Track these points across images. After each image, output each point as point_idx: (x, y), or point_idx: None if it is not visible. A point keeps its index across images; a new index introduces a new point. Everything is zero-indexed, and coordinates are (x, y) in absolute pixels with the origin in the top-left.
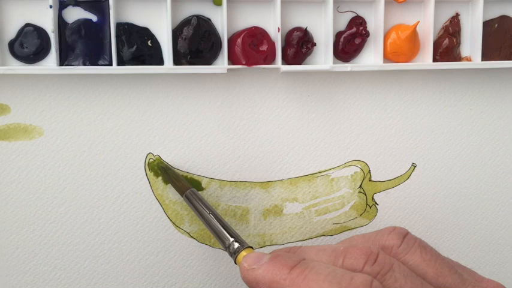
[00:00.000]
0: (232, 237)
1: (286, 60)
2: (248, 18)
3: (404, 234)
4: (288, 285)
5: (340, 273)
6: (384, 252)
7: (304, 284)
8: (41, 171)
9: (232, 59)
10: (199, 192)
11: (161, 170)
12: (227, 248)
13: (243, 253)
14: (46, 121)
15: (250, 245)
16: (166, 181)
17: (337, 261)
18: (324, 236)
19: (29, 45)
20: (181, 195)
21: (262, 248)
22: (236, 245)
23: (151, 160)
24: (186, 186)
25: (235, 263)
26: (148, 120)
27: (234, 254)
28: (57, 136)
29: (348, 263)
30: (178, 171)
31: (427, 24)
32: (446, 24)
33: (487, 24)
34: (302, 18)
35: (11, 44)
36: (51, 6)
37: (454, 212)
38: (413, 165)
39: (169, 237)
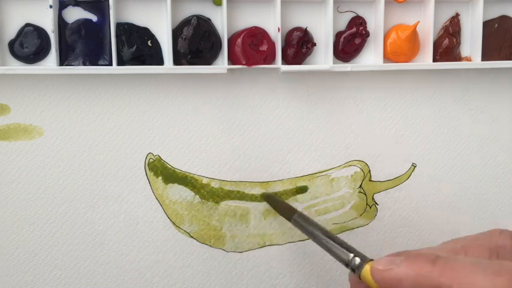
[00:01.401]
0: (350, 252)
1: (286, 60)
2: (248, 18)
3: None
4: (437, 276)
5: (485, 261)
6: (504, 250)
7: (454, 273)
8: (41, 171)
9: (232, 59)
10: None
11: (264, 198)
12: (349, 263)
13: (368, 266)
14: (46, 121)
15: (371, 258)
16: (272, 206)
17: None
18: None
19: (29, 45)
20: (289, 220)
21: (262, 248)
22: (358, 259)
23: (151, 160)
24: (293, 210)
25: (359, 278)
26: (148, 120)
27: (357, 268)
28: (57, 136)
29: (472, 255)
30: (178, 171)
31: (427, 24)
32: (446, 24)
33: (487, 24)
34: (302, 18)
35: (11, 44)
36: (51, 6)
37: (454, 212)
38: (413, 165)
39: (169, 237)
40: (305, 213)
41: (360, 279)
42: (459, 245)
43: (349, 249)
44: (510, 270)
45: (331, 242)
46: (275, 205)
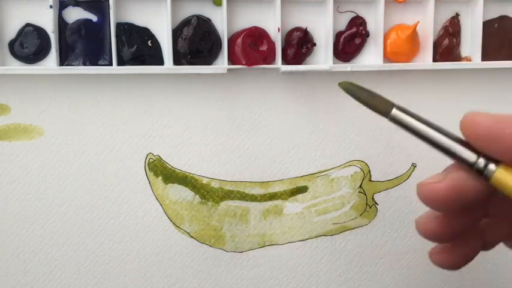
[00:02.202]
0: (476, 153)
1: (286, 60)
2: (248, 18)
3: None
4: None
5: None
6: None
7: None
8: (41, 171)
9: (232, 59)
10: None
11: (353, 91)
12: (473, 164)
13: (501, 168)
14: (46, 121)
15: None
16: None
17: None
18: (324, 236)
19: (29, 45)
20: (386, 116)
21: (262, 248)
22: (482, 161)
23: (151, 160)
24: (388, 103)
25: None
26: (148, 120)
27: (484, 169)
28: (57, 136)
29: None
30: (178, 171)
31: (427, 24)
32: (446, 24)
33: (487, 24)
34: (302, 18)
35: (11, 44)
36: (51, 6)
37: None
38: (413, 165)
39: (169, 237)
40: (305, 213)
41: (491, 183)
42: None
43: (471, 149)
44: None
45: (443, 135)
46: (366, 100)
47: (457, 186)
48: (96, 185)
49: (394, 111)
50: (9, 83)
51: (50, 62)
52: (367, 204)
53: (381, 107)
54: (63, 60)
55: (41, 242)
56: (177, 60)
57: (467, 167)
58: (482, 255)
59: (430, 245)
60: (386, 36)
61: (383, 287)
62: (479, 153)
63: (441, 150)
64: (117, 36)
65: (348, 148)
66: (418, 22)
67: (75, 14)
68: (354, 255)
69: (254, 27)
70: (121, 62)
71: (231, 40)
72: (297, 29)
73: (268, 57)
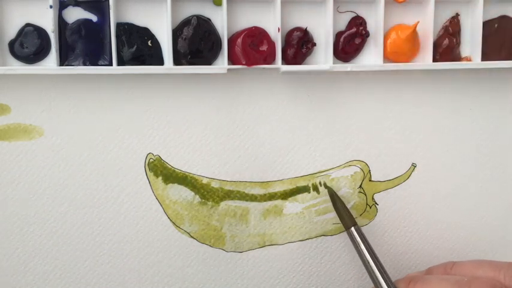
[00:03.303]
0: (388, 285)
1: (286, 60)
2: (248, 18)
3: None
4: None
5: None
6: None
7: None
8: (41, 171)
9: (232, 59)
10: (200, 194)
11: (330, 196)
12: None
13: None
14: (46, 121)
15: None
16: (334, 208)
17: None
18: (324, 236)
19: (29, 45)
20: (346, 229)
21: (262, 248)
22: None
23: (151, 160)
24: (352, 222)
25: None
26: (148, 120)
27: None
28: (57, 136)
29: None
30: (178, 171)
31: (427, 24)
32: (446, 24)
33: (487, 24)
34: (302, 18)
35: (11, 44)
36: (51, 6)
37: (454, 212)
38: (413, 165)
39: (169, 237)
40: (305, 213)
41: None
42: (466, 278)
43: (389, 278)
44: None
45: (376, 271)
46: (337, 208)
47: None
48: (96, 185)
49: (353, 229)
50: (9, 83)
51: (50, 62)
52: (367, 204)
53: (347, 220)
54: (63, 60)
55: (41, 242)
56: (177, 60)
57: None
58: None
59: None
60: (386, 36)
61: None
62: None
63: (371, 277)
64: (117, 36)
65: (348, 148)
66: (418, 22)
67: (75, 14)
68: (354, 255)
69: (254, 27)
70: (121, 62)
71: (231, 40)
72: (297, 29)
73: (268, 57)
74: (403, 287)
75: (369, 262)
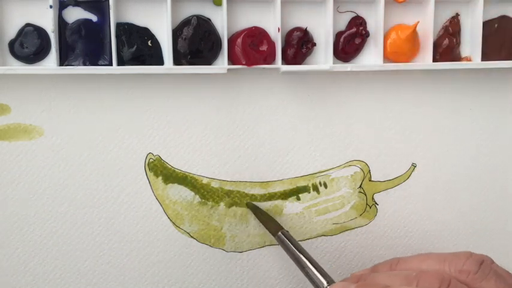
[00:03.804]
0: (326, 280)
1: (286, 60)
2: (248, 18)
3: (481, 261)
4: None
5: None
6: (455, 279)
7: None
8: (41, 171)
9: (232, 59)
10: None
11: (251, 209)
12: None
13: None
14: (46, 121)
15: None
16: (258, 219)
17: (411, 286)
18: (324, 236)
19: (29, 45)
20: (274, 235)
21: (262, 248)
22: None
23: (151, 160)
24: (278, 227)
25: None
26: (148, 120)
27: None
28: (57, 136)
29: (422, 286)
30: (178, 171)
31: (427, 24)
32: (446, 24)
33: (487, 24)
34: (302, 18)
35: (11, 44)
36: (51, 6)
37: (454, 212)
38: (413, 165)
39: (169, 237)
40: (304, 213)
41: None
42: (414, 273)
43: (325, 275)
44: None
45: (311, 267)
46: (260, 217)
47: None
48: (96, 185)
49: (280, 234)
50: (9, 83)
51: (50, 62)
52: (367, 204)
53: (272, 227)
54: (63, 60)
55: (41, 242)
56: (177, 60)
57: None
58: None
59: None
60: (386, 36)
61: None
62: (327, 282)
63: (303, 272)
64: (117, 36)
65: (348, 148)
66: (418, 22)
67: (75, 14)
68: (354, 255)
69: (254, 27)
70: (121, 62)
71: (231, 40)
72: (297, 29)
73: (268, 57)
74: (351, 287)
75: (303, 262)
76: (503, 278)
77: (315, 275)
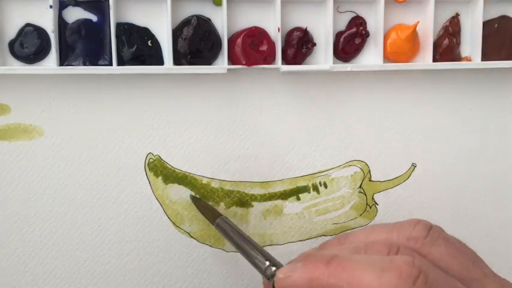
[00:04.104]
0: (267, 260)
1: (286, 60)
2: (248, 18)
3: (430, 227)
4: (327, 278)
5: (377, 258)
6: (404, 246)
7: (344, 273)
8: (41, 171)
9: (232, 59)
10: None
11: (191, 199)
12: (264, 272)
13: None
14: (46, 121)
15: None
16: (199, 210)
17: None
18: (324, 236)
19: (29, 45)
20: (212, 223)
21: None
22: (273, 268)
23: (151, 160)
24: (217, 214)
25: (273, 287)
26: (148, 120)
27: (272, 277)
28: (57, 136)
29: (371, 253)
30: (178, 171)
31: (427, 24)
32: (446, 24)
33: (487, 24)
34: (302, 18)
35: (11, 44)
36: (51, 6)
37: (454, 212)
38: (413, 165)
39: (169, 237)
40: (305, 213)
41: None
42: (362, 243)
43: (267, 257)
44: (399, 265)
45: (249, 249)
46: (201, 208)
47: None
48: (96, 185)
49: (218, 220)
50: (9, 83)
51: (50, 62)
52: (367, 204)
53: (211, 215)
54: (63, 60)
55: (41, 242)
56: (177, 60)
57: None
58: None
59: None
60: (386, 36)
61: None
62: (269, 262)
63: (243, 254)
64: (117, 36)
65: (348, 148)
66: (418, 22)
67: (75, 14)
68: None
69: (254, 27)
70: (121, 62)
71: (231, 40)
72: (297, 29)
73: (268, 57)
74: (298, 265)
75: (243, 246)
76: (452, 242)
77: (256, 257)
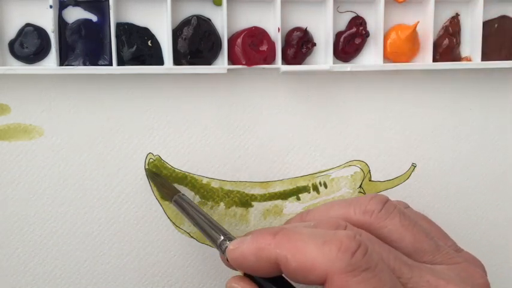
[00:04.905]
0: (223, 235)
1: (286, 60)
2: (248, 18)
3: (385, 201)
4: (273, 248)
5: (322, 231)
6: (355, 223)
7: (289, 244)
8: (41, 171)
9: (232, 59)
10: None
11: (148, 175)
12: (219, 246)
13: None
14: (46, 121)
15: None
16: (156, 187)
17: None
18: None
19: (29, 45)
20: (170, 201)
21: None
22: (228, 242)
23: (151, 160)
24: (174, 191)
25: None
26: (148, 120)
27: (226, 249)
28: (57, 136)
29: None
30: (178, 171)
31: (427, 24)
32: (446, 24)
33: (487, 24)
34: (302, 18)
35: (11, 44)
36: (51, 6)
37: (454, 212)
38: (413, 165)
39: (169, 237)
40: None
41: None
42: (313, 223)
43: (222, 231)
44: (340, 238)
45: (206, 223)
46: (158, 185)
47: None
48: (96, 184)
49: (176, 197)
50: (9, 83)
51: (50, 62)
52: None
53: (168, 195)
54: (63, 60)
55: (41, 242)
56: (177, 60)
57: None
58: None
59: None
60: (386, 36)
61: None
62: (224, 236)
63: (200, 230)
64: (117, 36)
65: (348, 148)
66: (418, 22)
67: (75, 14)
68: None
69: (254, 27)
70: (121, 62)
71: (231, 40)
72: (297, 29)
73: (268, 57)
74: (247, 238)
75: (199, 220)
76: (407, 216)
77: (210, 232)
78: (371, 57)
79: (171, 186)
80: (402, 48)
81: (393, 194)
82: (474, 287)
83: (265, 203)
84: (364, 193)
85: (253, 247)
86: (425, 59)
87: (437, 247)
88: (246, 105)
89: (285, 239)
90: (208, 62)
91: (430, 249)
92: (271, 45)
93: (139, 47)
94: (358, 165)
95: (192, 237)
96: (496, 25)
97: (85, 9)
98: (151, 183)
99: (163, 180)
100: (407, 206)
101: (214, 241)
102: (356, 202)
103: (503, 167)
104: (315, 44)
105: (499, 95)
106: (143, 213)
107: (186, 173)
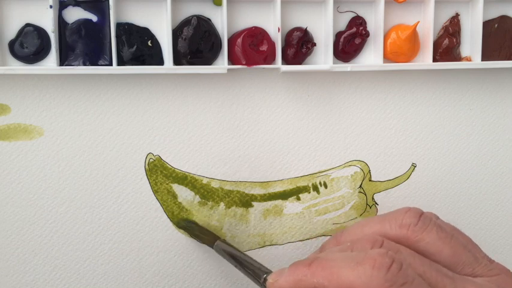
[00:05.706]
0: (265, 273)
1: (286, 60)
2: (248, 18)
3: (420, 214)
4: (310, 278)
5: (354, 254)
6: (392, 237)
7: (324, 271)
8: (41, 171)
9: (232, 59)
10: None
11: (184, 226)
12: (262, 283)
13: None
14: (46, 121)
15: None
16: (192, 236)
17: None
18: (324, 236)
19: (29, 45)
20: (211, 247)
21: (262, 248)
22: (265, 275)
23: (151, 160)
24: (214, 237)
25: None
26: (148, 120)
27: (265, 282)
28: (57, 136)
29: (356, 250)
30: (178, 171)
31: (427, 24)
32: (446, 24)
33: (487, 24)
34: (302, 18)
35: (11, 44)
36: (51, 6)
37: (454, 212)
38: (413, 165)
39: (169, 237)
40: (305, 213)
41: None
42: (349, 243)
43: (261, 269)
44: (373, 256)
45: (250, 265)
46: (197, 232)
47: None
48: (96, 185)
49: (218, 243)
50: (9, 83)
51: (50, 62)
52: (367, 204)
53: (208, 240)
54: (63, 60)
55: (41, 242)
56: (177, 60)
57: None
58: None
59: None
60: (386, 36)
61: None
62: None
63: (242, 271)
64: (117, 36)
65: (348, 148)
66: (418, 22)
67: (75, 14)
68: None
69: (254, 27)
70: (121, 62)
71: (231, 40)
72: (297, 29)
73: (268, 57)
74: (284, 271)
75: (244, 264)
76: (444, 228)
77: (254, 272)
78: (371, 57)
79: (210, 233)
80: (402, 48)
81: (393, 194)
82: None
83: (265, 203)
84: (364, 193)
85: (291, 280)
86: (425, 59)
87: (475, 259)
88: (246, 105)
89: (320, 267)
90: (208, 62)
91: (469, 262)
92: (271, 45)
93: (139, 47)
94: (358, 165)
95: (192, 237)
96: (496, 25)
97: (85, 9)
98: (185, 233)
99: (201, 228)
100: (437, 217)
101: (257, 280)
102: (391, 217)
103: (503, 167)
104: (315, 44)
105: (499, 95)
106: (143, 213)
107: (186, 173)
